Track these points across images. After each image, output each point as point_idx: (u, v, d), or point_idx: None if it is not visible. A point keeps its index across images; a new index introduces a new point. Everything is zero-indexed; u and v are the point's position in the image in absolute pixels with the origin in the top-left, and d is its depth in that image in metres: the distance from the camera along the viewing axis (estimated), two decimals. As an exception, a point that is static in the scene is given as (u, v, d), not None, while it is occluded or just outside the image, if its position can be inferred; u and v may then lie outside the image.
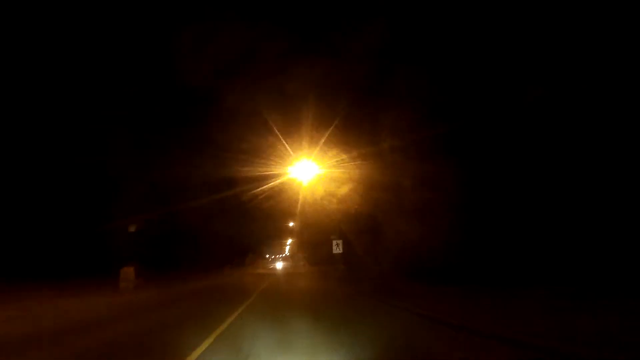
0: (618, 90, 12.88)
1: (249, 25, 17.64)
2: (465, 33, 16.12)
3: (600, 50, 12.95)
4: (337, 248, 28.30)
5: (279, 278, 35.64)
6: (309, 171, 24.77)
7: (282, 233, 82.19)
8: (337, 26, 17.74)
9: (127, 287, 20.87)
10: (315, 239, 49.93)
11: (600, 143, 13.39)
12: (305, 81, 18.35)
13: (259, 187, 26.80)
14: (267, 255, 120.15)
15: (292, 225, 64.17)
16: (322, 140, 20.68)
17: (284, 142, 20.93)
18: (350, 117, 20.10)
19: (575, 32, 13.25)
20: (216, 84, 20.82)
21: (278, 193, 28.69)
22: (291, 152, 22.15)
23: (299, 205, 31.50)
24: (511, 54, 14.96)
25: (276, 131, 20.05)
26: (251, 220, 61.98)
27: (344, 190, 24.37)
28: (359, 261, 31.47)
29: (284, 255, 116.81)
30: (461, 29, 16.16)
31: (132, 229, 25.19)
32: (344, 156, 21.36)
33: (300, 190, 29.32)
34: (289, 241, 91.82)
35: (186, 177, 33.82)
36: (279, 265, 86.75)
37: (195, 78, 19.33)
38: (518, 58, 14.85)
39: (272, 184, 25.86)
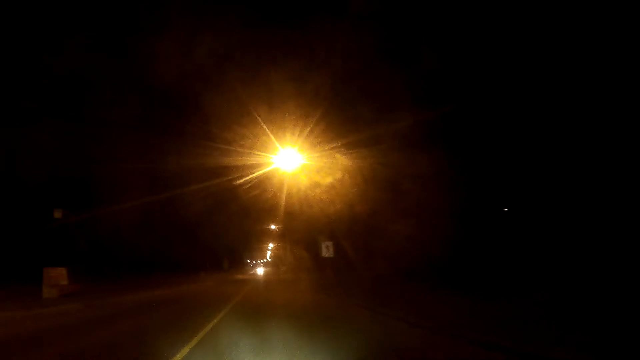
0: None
1: (235, 17, 17.43)
2: (464, 19, 15.16)
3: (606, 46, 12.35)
4: (327, 251, 24.30)
5: (259, 286, 30.96)
6: (294, 161, 22.02)
7: (264, 237, 78.90)
8: (323, 12, 17.09)
9: (52, 294, 16.22)
10: (300, 241, 46.13)
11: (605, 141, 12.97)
12: (292, 68, 17.61)
13: (240, 178, 23.90)
14: (248, 260, 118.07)
15: (275, 228, 60.37)
16: (308, 129, 19.22)
17: (268, 130, 19.36)
18: (338, 106, 19.24)
19: (577, 25, 12.72)
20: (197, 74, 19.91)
21: (260, 185, 25.60)
22: (275, 141, 20.15)
23: (283, 196, 27.64)
24: (513, 42, 13.98)
25: (259, 119, 18.78)
26: (231, 220, 58.93)
27: (330, 181, 22.71)
28: (349, 265, 28.30)
29: (265, 260, 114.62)
30: (458, 13, 15.35)
31: (58, 214, 20.52)
32: (332, 144, 19.92)
33: (284, 184, 26.39)
34: (271, 246, 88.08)
35: (161, 167, 31.18)
36: (260, 270, 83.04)
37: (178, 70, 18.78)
38: (521, 48, 14.08)
39: (255, 174, 23.24)
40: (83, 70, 20.65)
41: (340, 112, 19.51)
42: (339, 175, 21.84)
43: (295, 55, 17.93)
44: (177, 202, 42.02)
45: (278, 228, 59.12)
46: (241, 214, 50.94)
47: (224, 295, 20.44)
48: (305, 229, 33.02)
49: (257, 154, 21.08)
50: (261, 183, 25.02)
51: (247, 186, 24.76)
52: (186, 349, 7.07)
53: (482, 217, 17.70)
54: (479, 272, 16.49)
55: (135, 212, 35.91)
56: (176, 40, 17.62)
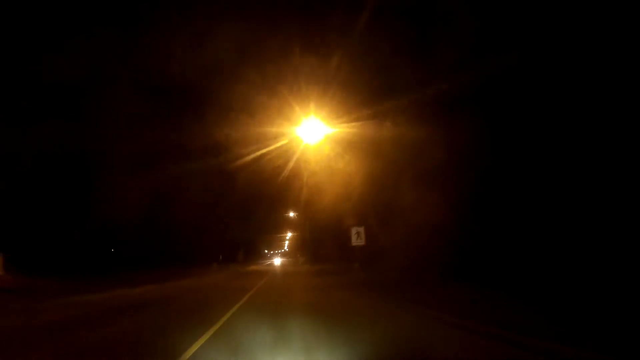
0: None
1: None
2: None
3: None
4: (358, 238, 20.13)
5: (274, 280, 26.62)
6: (316, 132, 19.33)
7: (281, 226, 76.11)
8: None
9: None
10: (322, 228, 42.19)
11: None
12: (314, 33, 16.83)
13: (259, 150, 21.99)
14: (266, 251, 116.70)
15: (293, 216, 56.84)
16: (332, 99, 17.68)
17: (290, 99, 17.74)
18: (361, 75, 17.61)
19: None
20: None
21: (280, 158, 23.09)
22: (297, 110, 18.09)
23: (304, 174, 24.27)
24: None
25: (280, 89, 17.61)
26: (247, 207, 56.04)
27: (353, 156, 20.89)
28: (378, 255, 24.60)
29: (282, 250, 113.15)
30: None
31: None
32: (356, 114, 18.12)
33: (304, 160, 23.76)
34: (289, 235, 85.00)
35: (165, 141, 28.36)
36: (277, 261, 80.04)
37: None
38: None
39: (276, 145, 21.08)
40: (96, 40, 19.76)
41: (366, 81, 17.85)
42: (362, 148, 20.19)
43: (318, 22, 17.01)
44: (186, 189, 39.38)
45: (297, 215, 55.66)
46: (257, 197, 48.47)
47: (231, 293, 16.29)
48: (328, 213, 29.54)
49: (278, 125, 19.27)
50: (281, 157, 22.50)
51: (268, 158, 22.70)
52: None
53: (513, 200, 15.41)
54: (506, 264, 14.71)
55: (139, 202, 33.04)
56: (193, 22, 17.68)
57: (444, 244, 20.26)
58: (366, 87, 17.96)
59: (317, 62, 17.14)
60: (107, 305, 12.30)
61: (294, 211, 54.45)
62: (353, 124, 18.28)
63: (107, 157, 28.55)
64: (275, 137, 20.33)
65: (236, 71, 19.71)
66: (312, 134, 19.32)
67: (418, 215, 20.58)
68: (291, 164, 23.01)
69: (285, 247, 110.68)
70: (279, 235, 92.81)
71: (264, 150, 21.56)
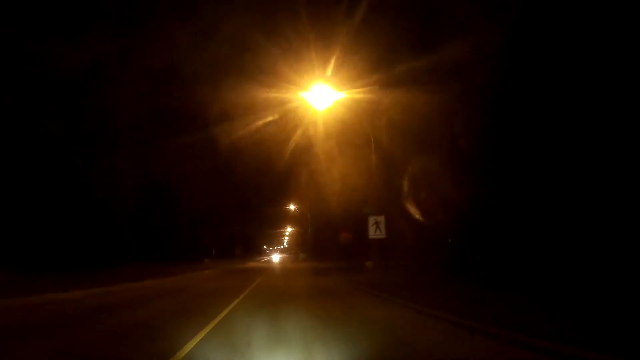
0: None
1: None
2: None
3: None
4: (377, 230, 16.30)
5: (273, 280, 22.60)
6: (324, 98, 17.11)
7: (281, 222, 73.44)
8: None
9: None
10: (326, 222, 39.19)
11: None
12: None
13: (262, 118, 21.10)
14: (265, 247, 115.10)
15: (294, 209, 53.29)
16: (341, 62, 16.70)
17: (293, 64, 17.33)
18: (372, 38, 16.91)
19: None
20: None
21: (281, 134, 22.47)
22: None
23: (313, 143, 22.35)
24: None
25: (284, 52, 17.48)
26: (247, 200, 53.66)
27: (364, 127, 19.12)
28: (391, 250, 21.94)
29: (282, 247, 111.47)
30: None
31: None
32: (367, 80, 16.96)
33: (312, 137, 22.94)
34: (289, 230, 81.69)
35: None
36: (276, 258, 77.23)
37: None
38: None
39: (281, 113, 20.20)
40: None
41: (376, 46, 17.12)
42: (372, 115, 18.89)
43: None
44: (184, 180, 37.38)
45: (298, 209, 52.10)
46: (259, 185, 47.03)
47: (208, 299, 12.53)
48: (334, 200, 26.86)
49: (286, 91, 17.61)
50: (289, 124, 21.15)
51: (274, 128, 21.67)
52: None
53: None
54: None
55: (133, 194, 31.02)
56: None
57: (450, 241, 19.48)
58: (376, 52, 17.22)
59: (327, 27, 16.64)
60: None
61: (296, 204, 50.96)
62: (363, 89, 16.85)
63: (103, 146, 26.95)
64: (283, 103, 18.90)
65: (245, 38, 19.35)
66: (321, 100, 17.02)
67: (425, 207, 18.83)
68: (299, 133, 21.52)
69: (285, 244, 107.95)
70: (278, 231, 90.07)
71: (270, 118, 20.54)
